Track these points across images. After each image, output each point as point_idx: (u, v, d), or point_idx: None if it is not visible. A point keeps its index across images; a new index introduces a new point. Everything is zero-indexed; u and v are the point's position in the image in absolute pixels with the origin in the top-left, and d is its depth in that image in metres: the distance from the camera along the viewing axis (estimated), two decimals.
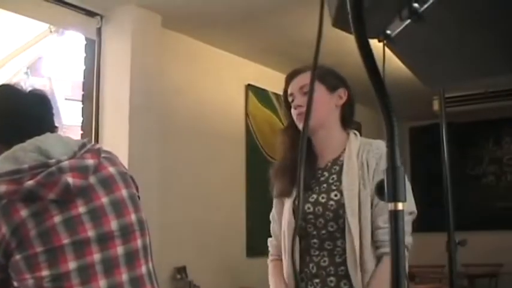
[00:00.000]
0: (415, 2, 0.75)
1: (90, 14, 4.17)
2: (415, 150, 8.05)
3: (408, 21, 0.79)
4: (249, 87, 5.53)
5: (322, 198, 2.07)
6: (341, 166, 2.10)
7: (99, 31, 4.22)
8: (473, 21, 0.73)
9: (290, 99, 2.18)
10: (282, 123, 2.77)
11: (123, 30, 4.16)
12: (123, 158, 4.12)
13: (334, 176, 2.10)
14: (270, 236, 2.30)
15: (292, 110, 2.16)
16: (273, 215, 2.27)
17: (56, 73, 7.03)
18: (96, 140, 4.12)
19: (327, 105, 2.13)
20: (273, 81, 5.55)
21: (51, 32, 4.58)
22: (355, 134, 2.18)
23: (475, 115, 7.09)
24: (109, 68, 4.21)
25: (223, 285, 4.91)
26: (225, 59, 5.28)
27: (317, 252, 2.07)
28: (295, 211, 2.11)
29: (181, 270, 4.50)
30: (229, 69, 5.34)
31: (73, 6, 4.02)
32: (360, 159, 2.06)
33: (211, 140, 5.03)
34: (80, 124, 4.30)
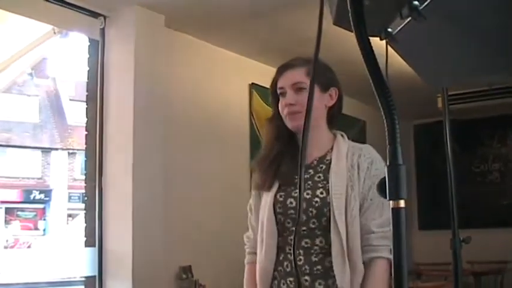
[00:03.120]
0: None
1: (94, 14, 4.17)
2: (420, 148, 8.03)
3: (409, 19, 0.79)
4: (253, 86, 5.52)
5: (307, 194, 2.03)
6: (328, 165, 2.07)
7: (102, 32, 4.22)
8: (473, 19, 0.73)
9: (279, 91, 2.13)
10: None
11: (127, 30, 4.16)
12: (128, 158, 4.15)
13: (321, 174, 2.07)
14: None
15: (282, 105, 2.11)
16: (250, 206, 2.26)
17: (60, 74, 7.05)
18: (101, 141, 4.12)
19: (319, 105, 2.09)
20: None
21: (54, 33, 4.58)
22: (342, 135, 2.15)
23: (479, 112, 7.06)
24: (113, 69, 4.21)
25: (228, 284, 4.91)
26: (229, 58, 5.28)
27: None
28: (275, 205, 2.09)
29: (187, 269, 4.50)
30: (233, 68, 5.33)
31: (76, 7, 4.02)
32: (350, 161, 2.03)
33: (215, 138, 5.03)
34: (85, 124, 4.30)
